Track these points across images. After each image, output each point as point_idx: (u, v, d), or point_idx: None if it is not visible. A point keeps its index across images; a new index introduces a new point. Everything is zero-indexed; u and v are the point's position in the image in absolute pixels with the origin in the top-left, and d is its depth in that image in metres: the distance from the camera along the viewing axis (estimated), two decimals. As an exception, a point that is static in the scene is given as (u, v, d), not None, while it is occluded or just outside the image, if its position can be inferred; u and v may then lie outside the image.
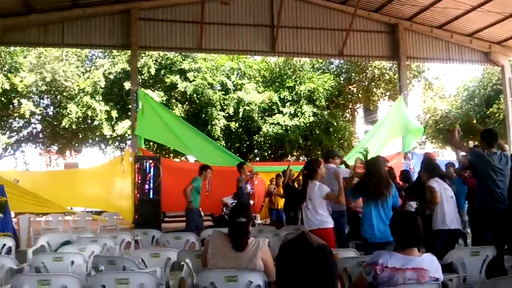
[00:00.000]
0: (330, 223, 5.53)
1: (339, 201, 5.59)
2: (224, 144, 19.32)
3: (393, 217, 3.41)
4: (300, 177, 9.20)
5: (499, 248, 4.96)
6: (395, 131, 14.05)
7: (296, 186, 10.07)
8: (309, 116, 19.32)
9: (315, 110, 19.59)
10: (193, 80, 18.71)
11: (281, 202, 11.41)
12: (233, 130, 19.50)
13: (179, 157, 20.16)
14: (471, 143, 25.23)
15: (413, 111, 19.66)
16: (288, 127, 19.18)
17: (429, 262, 2.98)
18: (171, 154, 20.14)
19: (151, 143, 18.73)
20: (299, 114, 19.45)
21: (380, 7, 14.13)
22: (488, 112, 22.41)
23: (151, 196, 10.44)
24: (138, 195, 10.37)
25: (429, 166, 6.08)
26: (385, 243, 4.97)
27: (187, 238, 5.99)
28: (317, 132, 19.74)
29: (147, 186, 10.45)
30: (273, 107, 19.76)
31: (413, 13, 14.18)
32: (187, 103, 19.88)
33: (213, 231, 3.78)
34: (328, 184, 5.80)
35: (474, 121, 23.56)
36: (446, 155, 36.57)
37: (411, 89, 21.64)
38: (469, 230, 7.08)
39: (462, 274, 4.38)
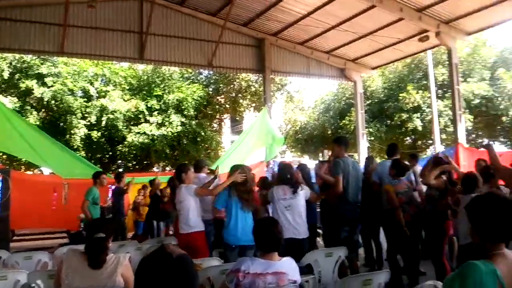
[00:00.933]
0: (202, 227, 5.68)
1: (211, 193, 5.65)
2: (84, 155, 18.14)
3: (254, 223, 3.55)
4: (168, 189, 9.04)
5: (352, 248, 5.56)
6: (259, 141, 14.49)
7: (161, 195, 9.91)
8: (177, 126, 19.07)
9: (183, 119, 19.41)
10: (52, 86, 17.29)
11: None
12: (95, 139, 18.39)
13: (32, 169, 18.38)
14: (326, 152, 27.31)
15: (275, 122, 20.60)
16: (155, 137, 18.70)
17: (288, 266, 3.12)
18: (22, 167, 18.29)
19: (0, 154, 16.82)
20: (166, 123, 19.08)
21: (249, 22, 14.55)
22: (341, 124, 24.40)
23: (-2, 212, 9.25)
24: (-16, 211, 9.11)
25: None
26: (247, 246, 5.10)
27: (39, 258, 5.44)
28: (185, 142, 19.57)
29: (-7, 202, 9.23)
30: (139, 116, 19.09)
31: (278, 29, 14.86)
32: (43, 110, 18.26)
33: (68, 249, 3.47)
34: None
35: (329, 132, 25.52)
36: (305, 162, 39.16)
37: (275, 101, 22.68)
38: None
39: (317, 275, 4.59)
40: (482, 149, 12.07)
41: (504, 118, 21.46)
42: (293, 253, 4.37)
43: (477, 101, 20.99)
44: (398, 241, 5.85)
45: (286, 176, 5.62)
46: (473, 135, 22.19)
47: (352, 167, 6.01)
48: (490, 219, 2.13)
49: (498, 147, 24.13)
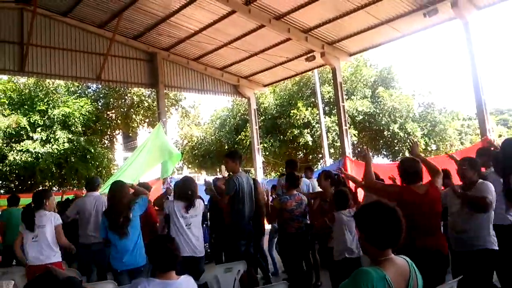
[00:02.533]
0: (57, 258, 5.21)
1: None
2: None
3: (149, 241, 3.36)
4: None
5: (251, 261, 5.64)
6: (154, 157, 14.07)
7: None
8: (64, 143, 17.98)
9: (70, 136, 18.35)
10: None
11: None
12: (-29, 158, 16.70)
13: None
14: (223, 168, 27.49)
15: (171, 137, 20.31)
16: (40, 155, 17.44)
17: (187, 285, 3.04)
18: None
19: None
20: (52, 140, 17.90)
21: (139, 35, 14.24)
22: (237, 139, 24.75)
23: None
24: None
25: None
26: (135, 269, 4.93)
27: None
28: (73, 160, 18.47)
29: None
30: (21, 132, 17.69)
31: (170, 44, 14.73)
32: None
33: None
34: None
35: (226, 147, 25.74)
36: (201, 180, 39.01)
37: (170, 116, 22.41)
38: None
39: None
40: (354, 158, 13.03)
41: (386, 133, 23.23)
42: (192, 271, 4.31)
43: (360, 117, 22.54)
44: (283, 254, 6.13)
45: (186, 192, 5.43)
46: (359, 149, 23.71)
47: (246, 183, 6.07)
48: (377, 227, 2.25)
49: (381, 160, 26.13)
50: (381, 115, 22.90)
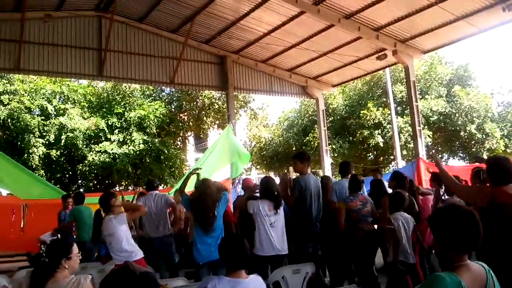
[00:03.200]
0: (138, 255, 5.34)
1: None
2: (44, 174, 17.59)
3: (221, 240, 3.44)
4: None
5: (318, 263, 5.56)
6: (224, 158, 14.41)
7: None
8: (139, 144, 18.76)
9: (145, 137, 19.12)
10: (8, 104, 16.76)
11: None
12: (54, 158, 17.85)
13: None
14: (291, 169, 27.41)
15: (240, 138, 20.59)
16: (117, 155, 18.32)
17: (255, 284, 3.04)
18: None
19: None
20: (128, 141, 18.76)
21: (210, 39, 14.58)
22: (305, 140, 24.60)
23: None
24: None
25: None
26: (215, 262, 5.02)
27: None
28: (148, 160, 19.25)
29: None
30: (100, 134, 18.70)
31: (240, 47, 14.95)
32: (0, 128, 17.65)
33: (26, 273, 3.29)
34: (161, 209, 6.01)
35: (294, 148, 25.68)
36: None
37: (239, 118, 22.74)
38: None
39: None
40: (428, 160, 12.47)
41: (462, 134, 22.13)
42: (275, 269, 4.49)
43: (435, 117, 21.60)
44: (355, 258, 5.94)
45: (271, 191, 5.49)
46: (433, 150, 22.75)
47: (313, 185, 6.03)
48: (453, 231, 2.16)
49: (457, 162, 24.91)
50: (457, 115, 21.82)
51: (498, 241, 3.31)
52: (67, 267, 3.13)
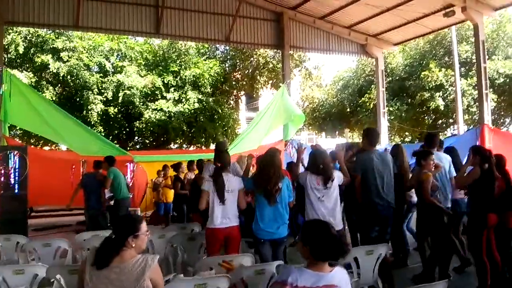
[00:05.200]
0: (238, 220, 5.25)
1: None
2: (102, 130, 18.10)
3: (307, 224, 2.98)
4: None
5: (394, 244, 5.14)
6: (278, 119, 14.22)
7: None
8: (194, 103, 18.84)
9: (200, 96, 19.16)
10: (67, 61, 17.16)
11: (169, 195, 10.87)
12: (112, 115, 18.26)
13: (50, 144, 18.38)
14: (347, 131, 26.83)
15: (293, 98, 20.20)
16: (172, 114, 18.51)
17: (340, 277, 2.67)
18: (40, 141, 18.30)
19: (18, 130, 16.86)
20: (183, 100, 18.87)
21: (267, -6, 14.15)
22: (360, 102, 23.90)
23: (16, 191, 9.17)
24: (1, 191, 9.05)
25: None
26: (278, 240, 4.86)
27: (58, 245, 5.22)
28: (202, 119, 19.36)
29: (12, 180, 9.15)
30: (156, 92, 18.89)
31: (297, 3, 14.41)
32: (59, 85, 18.18)
33: (91, 249, 3.08)
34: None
35: (348, 110, 25.07)
36: (321, 142, 38.77)
37: (293, 78, 22.27)
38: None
39: (356, 274, 4.35)
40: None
41: (529, 98, 20.74)
42: None
43: (501, 79, 20.24)
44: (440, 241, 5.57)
45: (319, 166, 5.06)
46: (495, 115, 21.49)
47: (380, 161, 5.40)
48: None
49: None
50: (525, 77, 20.33)
51: None
52: (134, 245, 2.95)
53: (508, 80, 20.46)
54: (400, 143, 6.58)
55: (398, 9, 13.49)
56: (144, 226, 3.07)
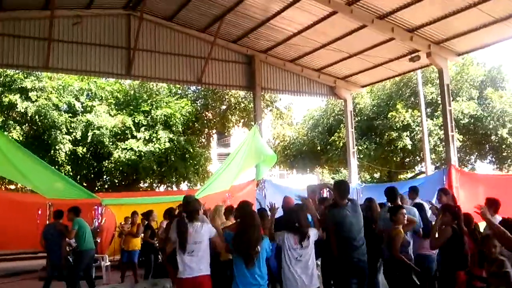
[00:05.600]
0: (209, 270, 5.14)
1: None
2: (70, 170, 17.71)
3: None
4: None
5: None
6: (250, 159, 14.20)
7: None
8: (165, 142, 18.68)
9: (171, 135, 19.04)
10: (36, 100, 16.86)
11: (133, 243, 10.58)
12: (80, 155, 17.89)
13: (15, 184, 17.70)
14: (318, 170, 26.97)
15: (265, 137, 20.35)
16: (142, 153, 18.28)
17: None
18: (5, 180, 17.64)
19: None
20: (154, 139, 18.70)
21: (238, 38, 14.41)
22: (330, 140, 24.22)
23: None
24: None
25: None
26: None
27: None
28: (173, 159, 19.17)
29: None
30: (126, 131, 18.66)
31: (268, 47, 14.74)
32: (27, 124, 17.79)
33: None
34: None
35: (318, 148, 25.33)
36: (292, 179, 38.91)
37: (264, 117, 22.48)
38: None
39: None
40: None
41: (493, 137, 21.44)
42: None
43: (466, 120, 20.97)
44: None
45: (294, 224, 4.98)
46: (461, 153, 22.12)
47: (352, 215, 5.41)
48: None
49: (486, 166, 24.24)
50: (488, 118, 21.08)
51: None
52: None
53: (472, 120, 21.21)
54: (372, 198, 6.49)
55: (365, 54, 13.98)
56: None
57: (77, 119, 17.93)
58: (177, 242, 4.99)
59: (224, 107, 22.41)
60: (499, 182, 12.28)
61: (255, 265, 4.71)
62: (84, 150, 18.02)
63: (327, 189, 9.97)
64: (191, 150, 19.74)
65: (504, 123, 20.99)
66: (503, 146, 21.74)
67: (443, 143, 18.12)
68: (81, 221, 8.53)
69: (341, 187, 5.65)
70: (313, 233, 5.10)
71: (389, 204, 6.40)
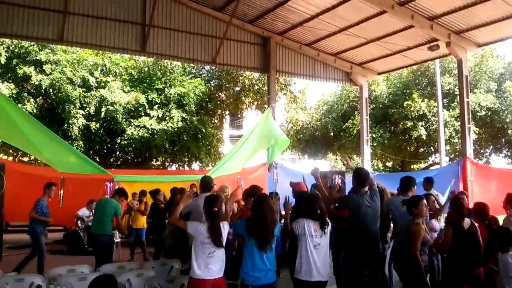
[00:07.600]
0: None
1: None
2: (83, 145, 17.81)
3: None
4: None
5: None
6: (262, 143, 14.12)
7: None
8: (178, 121, 18.66)
9: (184, 115, 19.00)
10: (50, 73, 16.90)
11: (140, 221, 10.60)
12: (93, 130, 17.95)
13: (29, 156, 17.86)
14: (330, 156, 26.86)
15: (277, 120, 20.24)
16: (155, 131, 18.30)
17: None
18: (19, 152, 17.82)
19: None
20: (167, 118, 18.68)
21: (255, 19, 14.22)
22: (344, 126, 24.01)
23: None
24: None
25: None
26: (267, 286, 4.62)
27: (31, 281, 4.94)
28: (185, 138, 19.15)
29: (-14, 196, 8.92)
30: (139, 109, 18.67)
31: (285, 29, 14.53)
32: (41, 97, 17.87)
33: None
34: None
35: (331, 134, 25.14)
36: (304, 164, 38.80)
37: (278, 100, 22.33)
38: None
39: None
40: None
41: (509, 131, 21.10)
42: None
43: (483, 112, 20.59)
44: None
45: (315, 210, 4.86)
46: (476, 146, 21.80)
47: (369, 202, 5.18)
48: None
49: (501, 160, 23.89)
50: (506, 112, 20.70)
51: None
52: None
53: (489, 113, 20.84)
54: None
55: (383, 41, 13.72)
56: None
57: (91, 94, 17.95)
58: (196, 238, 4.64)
59: (238, 88, 22.24)
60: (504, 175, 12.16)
61: (268, 250, 4.61)
62: (97, 125, 18.07)
63: (339, 176, 9.89)
64: (204, 130, 19.68)
65: (522, 117, 20.62)
66: (519, 141, 21.42)
67: (459, 135, 17.85)
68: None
69: (358, 174, 5.39)
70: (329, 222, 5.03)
71: (401, 195, 6.16)
